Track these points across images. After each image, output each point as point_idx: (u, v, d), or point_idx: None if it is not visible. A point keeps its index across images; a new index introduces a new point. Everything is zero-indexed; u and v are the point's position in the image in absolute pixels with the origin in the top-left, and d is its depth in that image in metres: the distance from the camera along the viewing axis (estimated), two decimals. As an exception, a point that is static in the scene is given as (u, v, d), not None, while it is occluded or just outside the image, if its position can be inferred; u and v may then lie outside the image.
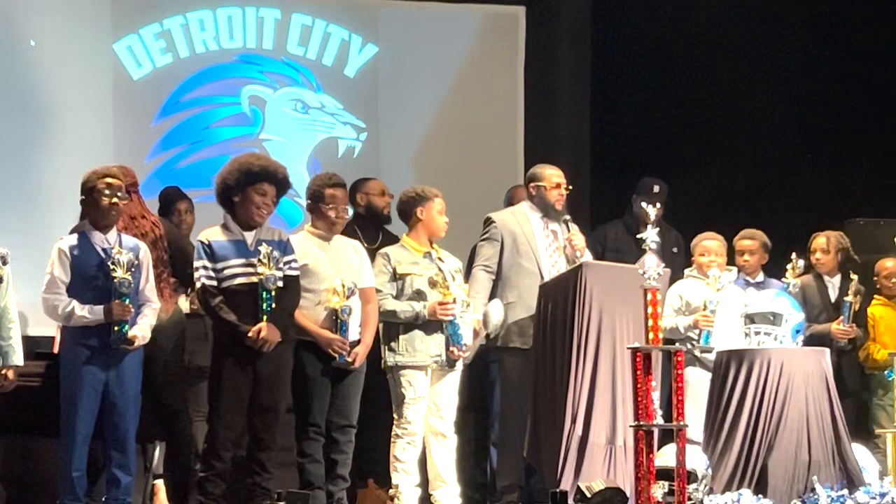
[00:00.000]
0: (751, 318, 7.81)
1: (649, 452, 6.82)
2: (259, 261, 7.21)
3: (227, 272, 7.25)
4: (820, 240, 9.14)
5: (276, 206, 7.46)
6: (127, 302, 7.08)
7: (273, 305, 7.22)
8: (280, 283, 7.27)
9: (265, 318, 7.20)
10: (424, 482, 7.79)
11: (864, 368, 9.11)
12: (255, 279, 7.22)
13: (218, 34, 10.40)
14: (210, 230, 7.43)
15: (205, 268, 7.25)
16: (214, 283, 7.24)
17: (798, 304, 8.05)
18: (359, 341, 7.60)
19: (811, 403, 7.55)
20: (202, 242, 7.30)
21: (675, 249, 9.15)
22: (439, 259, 7.93)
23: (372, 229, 8.64)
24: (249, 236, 7.33)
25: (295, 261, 7.41)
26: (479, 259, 8.18)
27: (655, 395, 6.92)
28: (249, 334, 7.14)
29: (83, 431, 7.03)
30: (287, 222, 10.06)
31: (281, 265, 7.29)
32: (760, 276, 8.86)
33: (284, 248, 7.38)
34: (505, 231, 8.15)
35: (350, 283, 7.55)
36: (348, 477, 7.62)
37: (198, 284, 7.28)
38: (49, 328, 7.89)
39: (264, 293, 7.21)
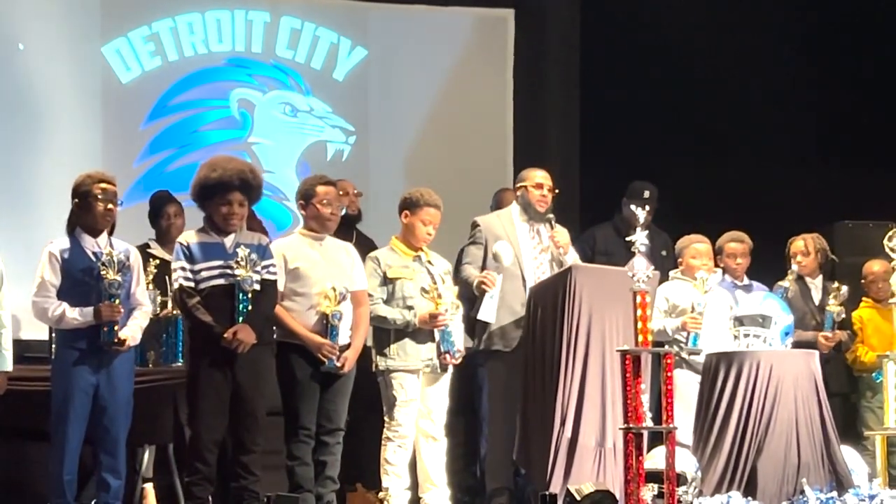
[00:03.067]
0: (740, 321, 7.83)
1: (639, 455, 6.83)
2: (237, 262, 7.21)
3: (204, 274, 7.24)
4: (798, 243, 9.17)
5: (247, 207, 7.40)
6: (117, 303, 7.08)
7: (249, 308, 7.21)
8: (257, 287, 7.26)
9: (241, 319, 7.20)
10: (414, 485, 7.79)
11: (853, 370, 9.14)
12: (231, 281, 7.21)
13: (207, 37, 10.40)
14: (189, 232, 7.43)
15: (182, 269, 7.24)
16: (192, 284, 7.23)
17: (787, 307, 8.07)
18: (349, 345, 7.59)
19: (800, 405, 7.56)
20: (181, 244, 7.31)
21: (664, 252, 9.17)
22: (429, 262, 7.93)
23: (343, 230, 8.63)
24: (228, 239, 7.33)
25: (273, 265, 7.41)
26: (465, 258, 8.20)
27: (645, 398, 6.93)
28: (225, 335, 7.13)
29: (74, 435, 7.01)
30: (276, 225, 10.07)
31: (258, 268, 7.28)
32: (745, 279, 8.89)
33: (263, 252, 7.37)
34: (489, 234, 8.16)
35: (342, 288, 7.55)
36: (337, 479, 7.61)
37: (175, 285, 7.27)
38: (40, 332, 7.88)
39: (241, 295, 7.20)
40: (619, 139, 10.67)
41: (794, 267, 8.79)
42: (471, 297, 8.20)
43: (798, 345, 8.46)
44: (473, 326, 8.16)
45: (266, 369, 7.38)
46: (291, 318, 7.52)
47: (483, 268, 8.08)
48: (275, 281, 7.40)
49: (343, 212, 8.31)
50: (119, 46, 10.22)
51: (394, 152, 10.67)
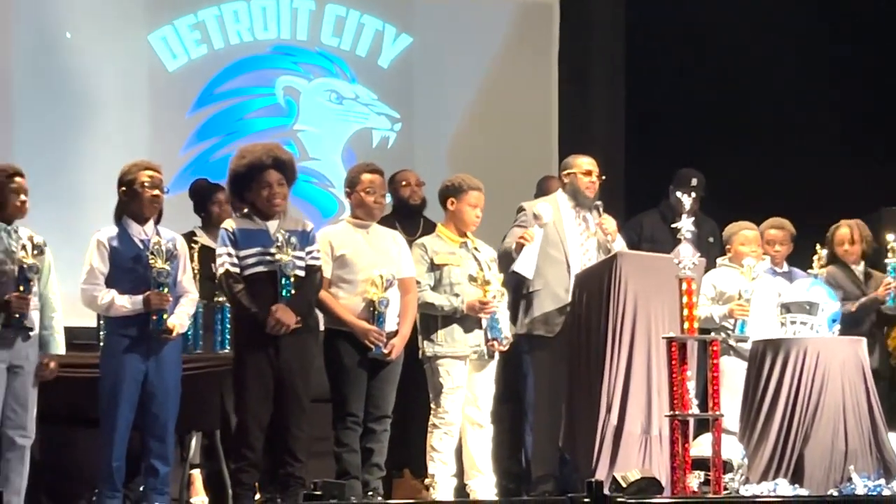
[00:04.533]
0: (787, 308, 7.80)
1: (685, 442, 6.84)
2: (277, 247, 7.22)
3: (248, 260, 7.26)
4: (843, 230, 9.10)
5: (287, 186, 7.38)
6: (165, 291, 7.12)
7: (292, 292, 7.23)
8: (300, 272, 7.27)
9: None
10: (460, 472, 7.81)
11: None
12: (273, 267, 7.23)
13: (252, 25, 10.43)
14: (234, 218, 7.46)
15: (229, 254, 7.25)
16: (237, 269, 7.25)
17: (834, 294, 8.04)
18: (396, 332, 7.61)
19: (847, 393, 7.54)
20: (226, 230, 7.32)
21: (710, 239, 9.15)
22: (475, 249, 7.94)
23: (409, 220, 8.66)
24: (272, 225, 7.34)
25: (318, 251, 7.42)
26: (508, 237, 8.20)
27: (691, 385, 6.93)
28: (267, 321, 7.15)
29: (124, 422, 7.05)
30: (321, 213, 10.10)
31: (301, 254, 7.29)
32: (785, 266, 8.85)
33: (307, 238, 7.38)
34: (533, 221, 8.17)
35: (389, 275, 7.56)
36: (384, 466, 7.64)
37: (221, 270, 7.29)
38: (88, 319, 7.94)
39: (283, 279, 7.21)
40: (663, 126, 10.63)
41: (824, 252, 8.73)
42: (514, 283, 8.22)
43: (861, 308, 8.44)
44: (515, 313, 8.17)
45: (311, 355, 7.40)
46: (339, 304, 7.54)
47: None
48: (319, 266, 7.41)
49: (388, 199, 8.33)
50: (165, 35, 10.26)
51: (439, 139, 10.68)
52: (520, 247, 8.03)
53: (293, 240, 7.25)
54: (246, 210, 7.37)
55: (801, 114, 10.73)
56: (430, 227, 8.62)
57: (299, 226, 7.43)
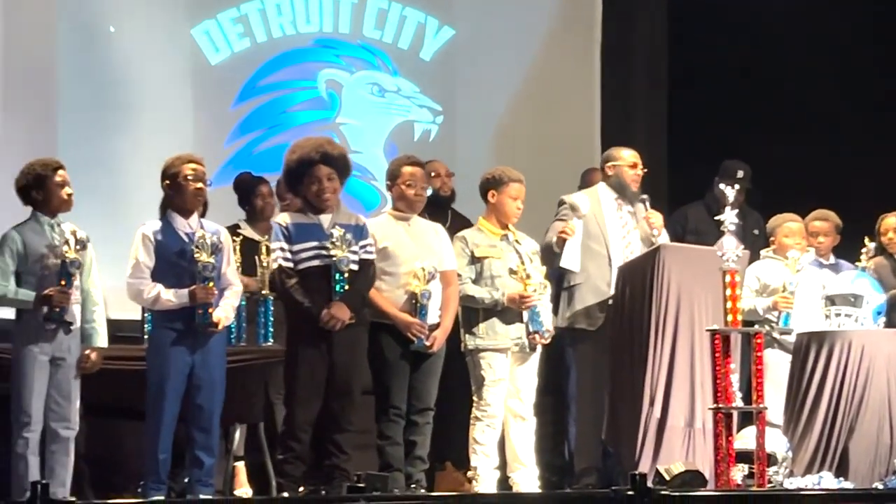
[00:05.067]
0: (831, 300, 7.77)
1: (728, 435, 6.82)
2: (332, 243, 7.24)
3: (302, 255, 7.28)
4: (890, 220, 9.03)
5: (338, 181, 7.37)
6: (211, 285, 7.15)
7: (346, 287, 7.24)
8: (354, 266, 7.29)
9: (337, 299, 7.24)
10: (503, 464, 7.81)
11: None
12: (327, 262, 7.24)
13: (295, 18, 10.45)
14: (287, 213, 7.48)
15: (282, 249, 7.28)
16: (291, 264, 7.27)
17: (879, 286, 7.99)
18: (438, 325, 7.62)
19: (893, 385, 7.50)
20: (280, 224, 7.34)
21: (755, 231, 9.11)
22: (516, 241, 7.94)
23: (438, 211, 8.66)
24: (326, 220, 7.35)
25: (371, 245, 7.43)
26: (550, 232, 8.19)
27: (734, 378, 6.90)
28: (321, 316, 7.17)
29: (170, 414, 7.08)
30: (364, 205, 10.11)
31: (355, 248, 7.31)
32: (831, 258, 8.80)
33: (360, 232, 7.39)
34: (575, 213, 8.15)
35: (431, 267, 7.56)
36: (427, 459, 7.64)
37: (274, 265, 7.31)
38: (132, 312, 7.98)
39: (337, 275, 7.22)
40: (707, 118, 10.59)
41: (872, 245, 8.68)
42: (557, 276, 8.22)
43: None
44: (556, 306, 8.16)
45: (363, 349, 7.42)
46: (381, 297, 7.55)
47: None
48: (372, 260, 7.42)
49: (429, 192, 8.33)
50: (208, 28, 10.30)
51: (481, 132, 10.67)
52: (562, 241, 8.02)
53: (348, 235, 7.26)
54: (290, 203, 7.39)
55: (849, 104, 10.66)
56: (458, 219, 8.64)
57: (352, 220, 7.44)
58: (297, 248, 7.26)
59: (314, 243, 7.26)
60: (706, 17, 10.68)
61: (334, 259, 7.21)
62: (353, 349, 7.31)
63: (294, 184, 7.41)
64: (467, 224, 8.62)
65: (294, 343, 7.30)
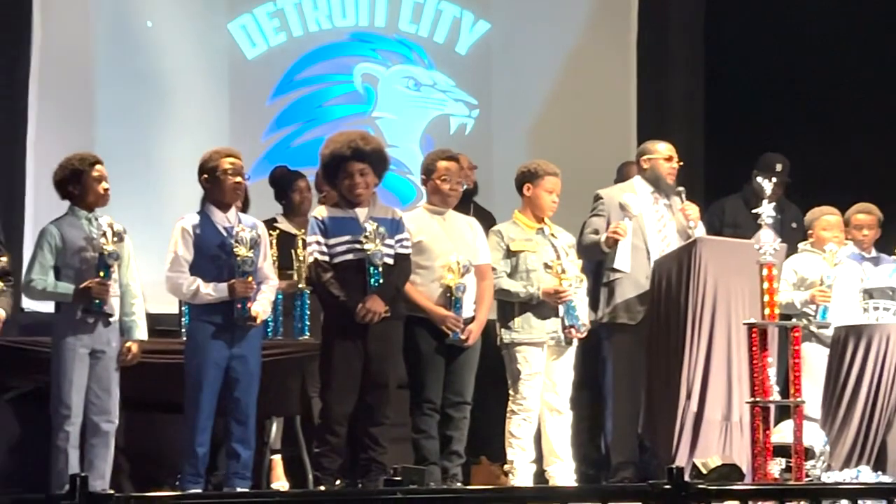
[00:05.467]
0: (869, 293, 7.73)
1: (766, 429, 6.80)
2: (366, 237, 7.25)
3: (337, 248, 7.29)
4: None
5: (372, 175, 7.37)
6: (250, 279, 7.17)
7: (381, 281, 7.25)
8: (388, 260, 7.30)
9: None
10: (539, 458, 7.81)
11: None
12: (362, 256, 7.26)
13: (331, 12, 10.47)
14: (324, 206, 7.50)
15: (318, 243, 7.30)
16: (327, 258, 7.29)
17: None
18: (473, 318, 7.62)
19: (931, 379, 7.46)
20: (316, 218, 7.36)
21: (793, 225, 9.08)
22: (552, 235, 7.93)
23: (461, 204, 8.64)
24: (361, 213, 7.37)
25: (407, 239, 7.44)
26: (587, 228, 8.18)
27: (772, 371, 6.88)
28: (357, 309, 7.18)
29: (208, 408, 7.12)
30: (400, 199, 10.11)
31: (390, 242, 7.32)
32: (873, 251, 8.76)
33: (396, 226, 7.41)
34: (612, 207, 8.14)
35: (465, 261, 7.57)
36: (463, 453, 7.65)
37: (310, 259, 7.33)
38: (169, 305, 8.01)
39: (371, 269, 7.24)
40: (744, 111, 10.54)
41: None
42: (595, 269, 8.20)
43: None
44: (596, 300, 8.15)
45: (398, 343, 7.43)
46: (416, 291, 7.56)
47: None
48: (408, 255, 7.43)
49: (464, 187, 8.33)
50: (245, 23, 10.32)
51: (517, 125, 10.66)
52: (613, 241, 7.99)
53: (382, 229, 7.27)
54: (328, 195, 7.40)
55: (889, 97, 10.59)
56: (480, 212, 8.63)
57: (388, 213, 7.45)
58: (332, 241, 7.28)
59: (348, 237, 7.27)
60: (743, 9, 10.64)
61: (368, 253, 7.23)
62: (388, 342, 7.32)
63: (329, 177, 7.44)
64: (489, 217, 8.64)
65: (329, 336, 7.32)
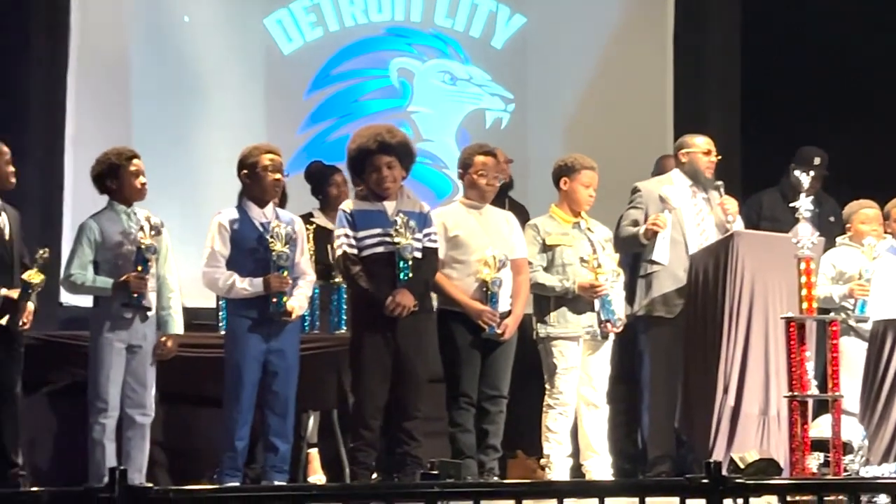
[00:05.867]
0: (908, 287, 7.69)
1: (804, 423, 6.76)
2: (395, 230, 7.25)
3: (366, 241, 7.30)
4: None
5: (399, 168, 7.36)
6: (285, 274, 7.19)
7: (410, 275, 7.25)
8: (417, 254, 7.30)
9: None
10: (576, 452, 7.80)
11: None
12: (392, 249, 7.26)
13: (367, 7, 10.48)
14: (352, 200, 7.50)
15: (346, 236, 7.30)
16: (355, 251, 7.29)
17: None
18: (509, 312, 7.61)
19: (971, 374, 7.40)
20: (344, 211, 7.37)
21: (831, 218, 9.02)
22: (588, 229, 7.91)
23: (496, 198, 8.63)
24: (390, 207, 7.37)
25: (434, 233, 7.44)
26: (624, 221, 8.16)
27: (810, 366, 6.85)
28: (386, 303, 7.18)
29: (247, 401, 7.14)
30: (436, 194, 10.12)
31: (419, 236, 7.32)
32: (912, 245, 8.70)
33: (424, 220, 7.41)
34: (650, 200, 8.11)
35: (501, 255, 7.57)
36: (500, 447, 7.65)
37: (338, 252, 7.33)
38: (207, 300, 8.04)
39: (401, 262, 7.24)
40: (780, 103, 10.50)
41: None
42: (632, 262, 8.18)
43: None
44: (632, 293, 8.13)
45: (427, 336, 7.43)
46: (452, 285, 7.56)
47: None
48: (436, 249, 7.43)
49: (501, 182, 8.32)
50: (281, 18, 10.34)
51: (553, 119, 10.64)
52: (652, 233, 7.96)
53: (412, 223, 7.28)
54: (363, 191, 7.42)
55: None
56: (515, 207, 8.61)
57: (416, 207, 7.46)
58: (361, 234, 7.29)
59: (378, 230, 7.28)
60: (781, 2, 10.58)
61: (398, 246, 7.23)
62: (418, 336, 7.32)
63: (356, 171, 7.44)
64: (524, 212, 8.63)
65: (359, 330, 7.33)
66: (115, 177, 7.17)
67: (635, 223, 8.08)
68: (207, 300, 8.03)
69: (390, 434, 7.36)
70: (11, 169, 7.22)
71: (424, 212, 7.46)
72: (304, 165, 9.10)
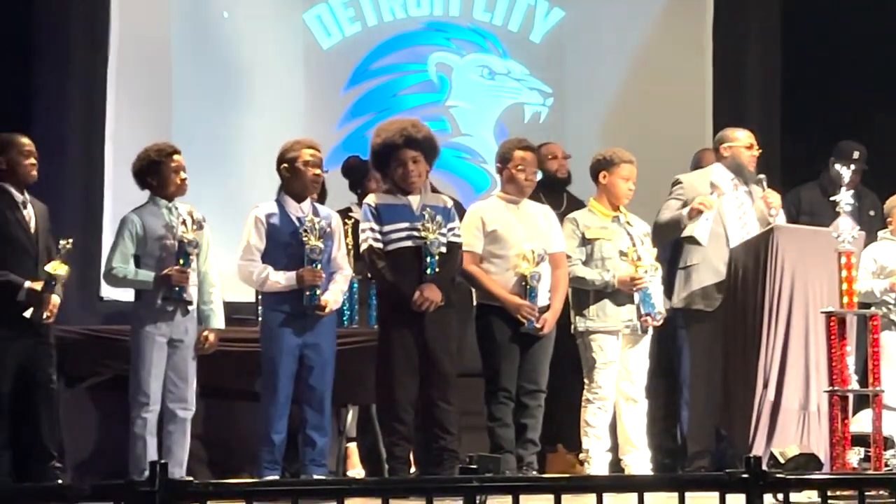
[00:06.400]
0: (950, 281, 7.65)
1: (844, 418, 6.73)
2: (423, 225, 7.25)
3: (392, 235, 7.30)
4: None
5: (424, 163, 7.34)
6: (318, 269, 7.20)
7: (437, 269, 7.26)
8: (443, 249, 7.30)
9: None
10: (615, 447, 7.79)
11: None
12: (418, 243, 7.26)
13: (405, 2, 10.48)
14: (377, 194, 7.51)
15: (372, 230, 7.30)
16: (381, 245, 7.29)
17: None
18: (548, 307, 7.61)
19: None
20: (369, 205, 7.37)
21: (871, 212, 8.98)
22: (627, 223, 7.90)
23: (554, 194, 8.64)
24: (415, 201, 7.37)
25: (458, 227, 7.44)
26: (664, 210, 8.12)
27: (850, 360, 6.82)
28: (414, 298, 7.19)
29: (283, 395, 7.15)
30: (473, 188, 10.12)
31: (444, 231, 7.32)
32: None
33: (449, 214, 7.40)
34: (691, 193, 8.09)
35: (540, 249, 7.56)
36: (538, 441, 7.65)
37: (364, 246, 7.34)
38: (247, 294, 8.07)
39: (428, 257, 7.24)
40: (820, 97, 10.44)
41: None
42: (670, 258, 8.17)
43: None
44: (671, 286, 8.11)
45: (454, 330, 7.42)
46: (491, 279, 7.56)
47: None
48: (460, 243, 7.43)
49: (539, 176, 8.31)
50: (320, 13, 10.36)
51: (591, 114, 10.62)
52: (697, 212, 7.92)
53: (438, 217, 7.28)
54: (387, 186, 7.43)
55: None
56: (573, 202, 8.60)
57: (441, 202, 7.46)
58: (386, 228, 7.29)
59: (405, 224, 7.27)
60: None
61: (426, 241, 7.23)
62: (444, 330, 7.31)
63: (381, 166, 7.43)
64: (582, 207, 8.60)
65: (386, 325, 7.34)
66: (155, 173, 7.20)
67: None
68: (247, 294, 8.06)
69: (425, 430, 7.36)
70: (32, 162, 7.21)
71: (448, 206, 7.46)
72: (343, 160, 9.11)
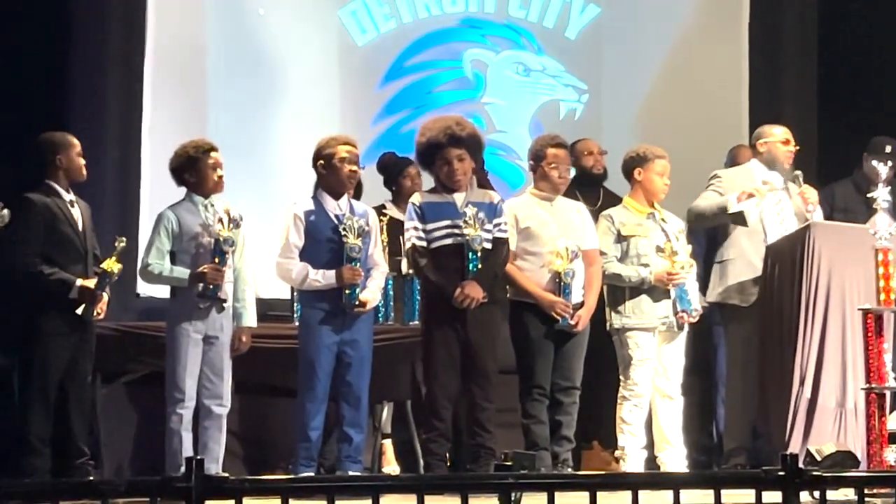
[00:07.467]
0: None
1: (881, 416, 6.70)
2: (465, 222, 7.26)
3: (435, 233, 7.31)
4: None
5: (469, 161, 7.36)
6: (357, 266, 7.21)
7: (479, 266, 7.26)
8: (487, 245, 7.30)
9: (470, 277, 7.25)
10: (650, 444, 7.78)
11: None
12: (461, 240, 7.26)
13: (441, -1, 10.50)
14: (420, 192, 7.52)
15: (415, 228, 7.32)
16: (424, 243, 7.30)
17: None
18: (582, 304, 7.60)
19: None
20: (413, 204, 7.39)
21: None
22: (662, 220, 7.89)
23: (590, 190, 8.63)
24: (459, 198, 7.37)
25: (505, 223, 7.44)
26: (701, 201, 8.08)
27: (887, 358, 6.78)
28: (455, 295, 7.19)
29: (321, 392, 7.17)
30: (508, 185, 10.11)
31: (489, 227, 7.32)
32: None
33: (494, 210, 7.41)
34: (730, 188, 8.06)
35: (573, 246, 7.56)
36: (573, 438, 7.64)
37: (408, 244, 7.36)
38: (282, 291, 8.09)
39: (471, 254, 7.25)
40: (857, 93, 10.39)
41: None
42: (705, 254, 8.14)
43: None
44: (705, 284, 8.08)
45: (497, 328, 7.43)
46: (525, 276, 7.56)
47: None
48: (506, 239, 7.43)
49: (573, 173, 8.30)
50: (355, 9, 10.37)
51: (627, 110, 10.60)
52: (747, 196, 7.86)
53: (481, 214, 7.28)
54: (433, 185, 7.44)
55: None
56: (609, 198, 8.58)
57: (486, 198, 7.46)
58: (430, 226, 7.30)
59: (447, 222, 7.29)
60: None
61: (467, 238, 7.24)
62: (487, 327, 7.32)
63: (426, 165, 7.45)
64: (618, 203, 8.58)
65: (429, 322, 7.35)
66: (192, 170, 7.23)
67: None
68: (282, 291, 8.08)
69: (463, 426, 7.37)
70: (83, 161, 7.31)
71: (495, 202, 7.46)
72: (377, 157, 9.12)
